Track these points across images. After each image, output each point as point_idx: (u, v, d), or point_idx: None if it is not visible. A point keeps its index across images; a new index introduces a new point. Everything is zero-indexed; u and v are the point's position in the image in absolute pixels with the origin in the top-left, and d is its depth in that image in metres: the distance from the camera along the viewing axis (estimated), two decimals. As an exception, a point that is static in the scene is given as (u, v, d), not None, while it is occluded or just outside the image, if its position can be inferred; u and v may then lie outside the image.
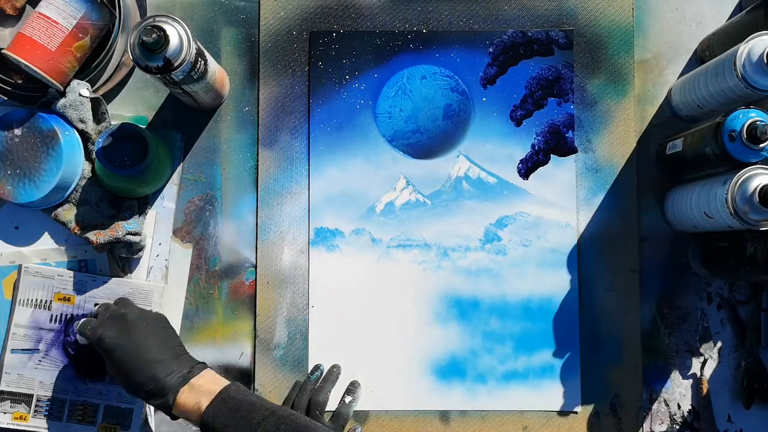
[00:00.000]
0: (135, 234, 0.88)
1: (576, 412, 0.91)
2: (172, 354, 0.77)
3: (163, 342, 0.78)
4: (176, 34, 0.75)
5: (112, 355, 0.77)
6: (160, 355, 0.76)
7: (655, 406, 0.92)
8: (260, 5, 0.93)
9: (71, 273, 0.90)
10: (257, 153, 0.92)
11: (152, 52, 0.74)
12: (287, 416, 0.72)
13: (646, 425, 0.92)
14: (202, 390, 0.75)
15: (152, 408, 0.90)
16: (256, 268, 0.92)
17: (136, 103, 0.92)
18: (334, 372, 0.89)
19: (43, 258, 0.90)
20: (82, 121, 0.88)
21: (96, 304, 0.87)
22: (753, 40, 0.75)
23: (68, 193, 0.88)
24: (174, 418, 0.76)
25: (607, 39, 0.93)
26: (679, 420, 0.92)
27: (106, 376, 0.89)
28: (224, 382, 0.76)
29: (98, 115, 0.90)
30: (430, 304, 0.92)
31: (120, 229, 0.87)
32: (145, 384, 0.75)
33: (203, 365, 0.78)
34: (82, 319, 0.82)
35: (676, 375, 0.92)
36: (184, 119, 0.92)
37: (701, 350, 0.92)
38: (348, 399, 0.88)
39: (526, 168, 0.93)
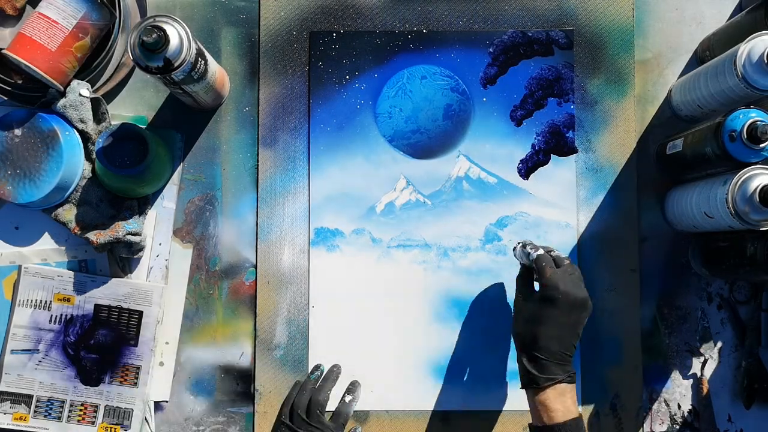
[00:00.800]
0: (135, 234, 0.88)
1: (576, 412, 0.91)
2: (567, 348, 0.77)
3: (577, 337, 0.78)
4: (176, 34, 0.75)
5: (553, 304, 0.77)
6: (569, 342, 0.77)
7: (655, 406, 0.92)
8: (260, 5, 0.93)
9: (71, 273, 0.89)
10: (257, 153, 0.92)
11: (152, 52, 0.74)
12: None
13: (646, 425, 0.92)
14: (567, 403, 0.76)
15: (152, 408, 0.90)
16: (256, 268, 0.92)
17: (136, 103, 0.92)
18: (334, 372, 0.89)
19: (43, 258, 0.90)
20: (82, 121, 0.88)
21: (519, 246, 0.85)
22: (753, 40, 0.75)
23: (68, 193, 0.88)
24: (523, 386, 0.78)
25: (607, 39, 0.93)
26: (679, 420, 0.92)
27: (105, 377, 0.89)
28: (577, 410, 0.77)
29: (98, 115, 0.90)
30: (431, 304, 0.92)
31: (120, 229, 0.87)
32: (535, 347, 0.76)
33: (574, 379, 0.78)
34: (541, 252, 0.80)
35: (676, 375, 0.92)
36: (184, 119, 0.92)
37: (701, 350, 0.92)
38: (348, 398, 0.88)
39: (527, 168, 0.93)
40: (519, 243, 0.85)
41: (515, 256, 0.85)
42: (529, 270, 0.83)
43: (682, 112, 0.90)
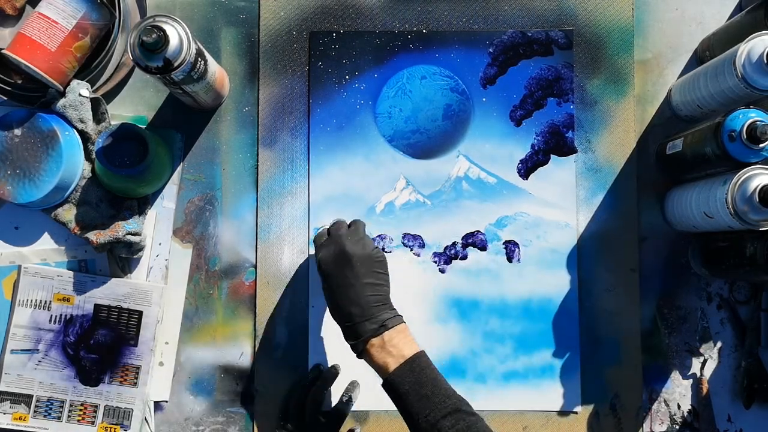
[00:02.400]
0: (135, 234, 0.88)
1: (576, 412, 0.91)
2: (374, 301, 0.77)
3: (370, 287, 0.77)
4: (176, 34, 0.75)
5: (324, 279, 0.79)
6: (361, 298, 0.76)
7: (655, 406, 0.92)
8: (260, 5, 0.93)
9: (71, 273, 0.89)
10: (257, 153, 0.92)
11: (152, 52, 0.74)
12: (468, 416, 0.73)
13: (646, 425, 0.92)
14: (393, 350, 0.75)
15: (152, 408, 0.90)
16: (256, 268, 0.92)
17: (136, 103, 0.92)
18: (333, 372, 0.89)
19: (43, 258, 0.90)
20: (82, 121, 0.88)
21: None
22: (753, 40, 0.75)
23: (68, 193, 0.88)
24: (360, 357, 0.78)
25: (607, 39, 0.93)
26: (679, 420, 0.92)
27: (104, 377, 0.89)
28: (415, 346, 0.77)
29: (98, 115, 0.90)
30: (430, 304, 0.92)
31: (120, 229, 0.87)
32: (341, 320, 0.78)
33: (399, 319, 0.78)
34: (321, 228, 0.82)
35: (676, 375, 0.92)
36: (184, 119, 0.92)
37: (701, 350, 0.92)
38: (346, 398, 0.88)
39: (526, 168, 0.93)
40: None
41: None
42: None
43: (682, 112, 0.90)
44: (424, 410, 0.72)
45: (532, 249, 0.92)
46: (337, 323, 0.79)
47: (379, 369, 0.76)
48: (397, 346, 0.76)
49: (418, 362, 0.75)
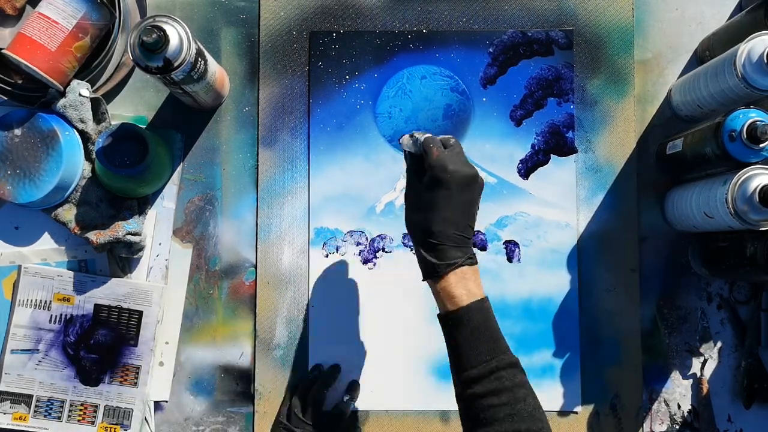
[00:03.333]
0: (135, 234, 0.88)
1: (576, 412, 0.91)
2: (470, 232, 0.73)
3: (473, 217, 0.73)
4: (176, 34, 0.75)
5: (439, 184, 0.72)
6: (462, 223, 0.72)
7: (655, 406, 0.92)
8: (260, 5, 0.93)
9: (71, 273, 0.89)
10: (257, 153, 0.92)
11: (152, 52, 0.74)
12: (522, 374, 0.71)
13: (646, 425, 0.92)
14: (470, 285, 0.72)
15: (152, 408, 0.90)
16: (256, 268, 0.92)
17: (136, 103, 0.92)
18: (333, 372, 0.89)
19: (43, 258, 0.90)
20: (82, 121, 0.88)
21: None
22: (753, 40, 0.75)
23: (68, 193, 0.88)
24: (424, 278, 0.73)
25: (607, 39, 0.93)
26: (679, 420, 0.92)
27: (105, 377, 0.89)
28: (482, 291, 0.73)
29: (98, 115, 0.90)
30: (431, 304, 0.91)
31: (120, 229, 0.87)
32: (432, 234, 0.72)
33: (475, 260, 0.73)
34: (424, 134, 0.75)
35: (676, 375, 0.92)
36: (184, 119, 0.92)
37: (701, 350, 0.92)
38: (346, 398, 0.88)
39: (526, 168, 0.93)
40: (406, 135, 0.78)
41: (403, 147, 0.78)
42: (417, 159, 0.76)
43: (682, 112, 0.90)
44: (487, 353, 0.70)
45: (533, 249, 0.92)
46: (419, 232, 0.72)
47: (449, 299, 0.71)
48: (474, 282, 0.72)
49: (488, 306, 0.73)
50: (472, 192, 0.73)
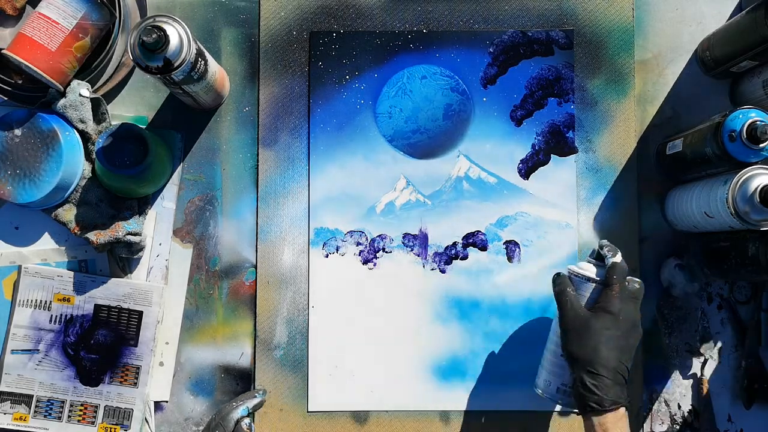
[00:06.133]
0: (135, 234, 0.88)
1: (576, 412, 0.91)
2: (625, 368, 0.75)
3: (630, 353, 0.76)
4: (176, 34, 0.75)
5: (603, 321, 0.75)
6: (621, 361, 0.75)
7: (655, 406, 0.92)
8: (260, 5, 0.93)
9: (71, 273, 0.89)
10: (257, 153, 0.92)
11: (152, 52, 0.74)
12: None
13: (646, 425, 0.92)
14: (625, 429, 0.74)
15: (152, 408, 0.90)
16: (256, 268, 0.92)
17: (136, 103, 0.92)
18: (256, 396, 0.86)
19: (43, 258, 0.90)
20: (82, 121, 0.88)
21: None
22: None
23: (68, 193, 0.88)
24: (579, 410, 0.75)
25: (607, 39, 0.93)
26: (679, 420, 0.92)
27: (105, 377, 0.89)
28: None
29: (98, 115, 0.90)
30: (431, 304, 0.92)
31: (120, 229, 0.87)
32: (596, 366, 0.73)
33: (627, 402, 0.75)
34: (619, 259, 0.78)
35: (676, 375, 0.92)
36: (184, 119, 0.92)
37: (701, 350, 0.92)
38: (246, 422, 0.84)
39: (527, 168, 0.93)
40: (577, 266, 0.81)
41: (579, 272, 0.80)
42: (579, 282, 0.79)
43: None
44: None
45: (533, 249, 0.92)
46: (588, 367, 0.74)
47: None
48: (628, 425, 0.74)
49: None
50: (635, 337, 0.76)
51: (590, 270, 0.79)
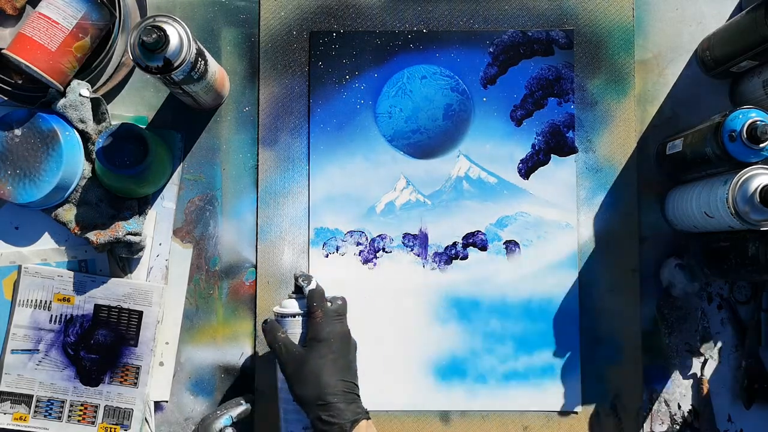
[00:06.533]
0: (135, 234, 0.88)
1: (576, 412, 0.91)
2: (352, 385, 0.77)
3: (352, 368, 0.78)
4: (176, 34, 0.75)
5: (321, 347, 0.76)
6: (346, 381, 0.76)
7: (655, 406, 0.92)
8: (260, 5, 0.93)
9: (71, 273, 0.89)
10: (257, 153, 0.92)
11: (152, 52, 0.74)
12: None
13: (646, 425, 0.92)
14: None
15: (152, 408, 0.90)
16: (256, 268, 0.92)
17: (136, 103, 0.92)
18: (241, 404, 0.86)
19: (43, 258, 0.90)
20: (82, 121, 0.88)
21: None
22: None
23: (68, 193, 0.88)
24: None
25: (607, 39, 0.93)
26: (679, 420, 0.92)
27: (105, 377, 0.89)
28: None
29: (98, 115, 0.90)
30: (431, 304, 0.92)
31: (120, 229, 0.87)
32: (325, 396, 0.75)
33: (366, 415, 0.77)
34: (314, 286, 0.80)
35: (676, 375, 0.92)
36: (184, 119, 0.92)
37: (701, 350, 0.92)
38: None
39: (527, 168, 0.93)
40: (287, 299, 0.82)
41: (278, 312, 0.81)
42: (287, 321, 0.80)
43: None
44: None
45: (533, 249, 0.92)
46: (319, 401, 0.75)
47: None
48: None
49: None
50: (352, 351, 0.79)
51: (292, 306, 0.81)
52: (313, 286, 0.80)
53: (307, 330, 0.79)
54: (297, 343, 0.79)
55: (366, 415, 0.76)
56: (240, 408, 0.84)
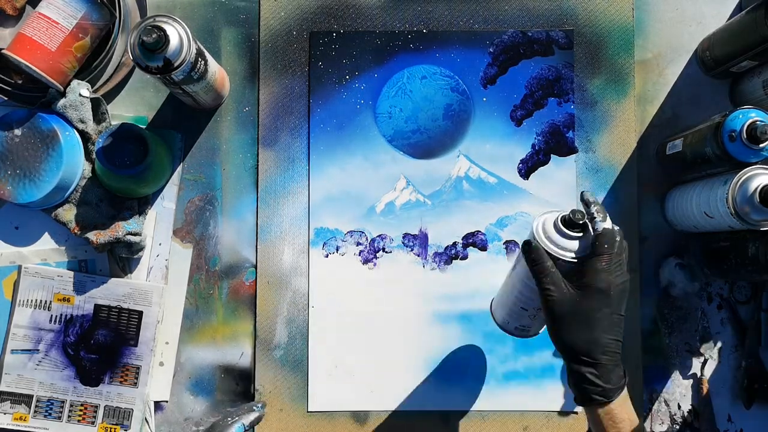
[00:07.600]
0: (135, 234, 0.88)
1: (576, 413, 0.91)
2: (619, 347, 0.67)
3: (622, 322, 0.67)
4: (176, 34, 0.75)
5: (606, 296, 0.65)
6: (617, 338, 0.67)
7: (655, 406, 0.92)
8: (260, 5, 0.93)
9: (71, 273, 0.89)
10: (257, 153, 0.92)
11: (152, 52, 0.74)
12: None
13: (646, 425, 0.92)
14: (629, 409, 0.67)
15: (152, 408, 0.90)
16: (256, 268, 0.92)
17: (136, 103, 0.92)
18: (254, 410, 0.85)
19: (43, 258, 0.90)
20: (82, 121, 0.88)
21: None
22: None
23: (68, 193, 0.88)
24: (580, 403, 0.68)
25: (607, 39, 0.93)
26: (679, 420, 0.92)
27: (105, 377, 0.89)
28: (635, 414, 0.68)
29: (98, 115, 0.90)
30: (431, 304, 0.92)
31: (120, 229, 0.87)
32: (597, 353, 0.66)
33: (626, 379, 0.68)
34: (609, 224, 0.67)
35: (676, 375, 0.92)
36: (184, 119, 0.92)
37: (701, 350, 0.92)
38: None
39: (527, 168, 0.93)
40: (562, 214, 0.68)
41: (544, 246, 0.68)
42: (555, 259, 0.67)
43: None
44: None
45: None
46: (588, 355, 0.66)
47: (613, 425, 0.67)
48: (630, 406, 0.68)
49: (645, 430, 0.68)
50: (625, 302, 0.68)
51: (570, 246, 0.67)
52: (608, 224, 0.67)
53: (583, 270, 0.66)
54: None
55: (626, 378, 0.68)
56: (253, 415, 0.80)
